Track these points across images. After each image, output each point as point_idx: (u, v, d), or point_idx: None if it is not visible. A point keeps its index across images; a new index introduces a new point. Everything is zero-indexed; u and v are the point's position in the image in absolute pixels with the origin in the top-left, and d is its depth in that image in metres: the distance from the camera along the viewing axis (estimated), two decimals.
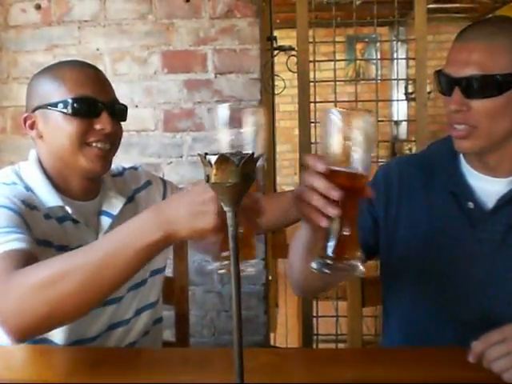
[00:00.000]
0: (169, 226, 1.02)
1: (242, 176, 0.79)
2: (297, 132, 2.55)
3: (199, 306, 2.40)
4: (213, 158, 0.79)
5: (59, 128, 1.36)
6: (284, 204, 1.68)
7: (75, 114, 1.34)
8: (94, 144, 1.36)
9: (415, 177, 1.41)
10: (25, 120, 1.41)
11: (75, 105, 1.33)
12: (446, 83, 1.27)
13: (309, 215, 0.98)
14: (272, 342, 2.93)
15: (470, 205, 1.33)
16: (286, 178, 6.03)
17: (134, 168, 1.63)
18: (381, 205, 1.42)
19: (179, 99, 2.40)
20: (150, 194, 1.59)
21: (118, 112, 1.41)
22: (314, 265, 0.99)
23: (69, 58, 1.51)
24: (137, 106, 2.40)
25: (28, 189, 1.37)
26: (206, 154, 0.82)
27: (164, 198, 1.61)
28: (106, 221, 1.44)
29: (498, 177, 1.33)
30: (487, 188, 1.33)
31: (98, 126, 1.35)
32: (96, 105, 1.35)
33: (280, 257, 2.74)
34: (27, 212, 1.28)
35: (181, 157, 2.40)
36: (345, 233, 0.97)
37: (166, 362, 1.20)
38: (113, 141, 1.39)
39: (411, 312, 1.40)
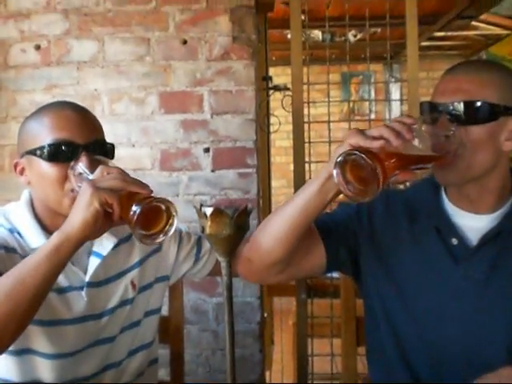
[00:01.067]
0: (64, 227, 1.19)
1: (236, 228, 0.81)
2: (292, 167, 2.58)
3: (194, 345, 2.40)
4: (208, 210, 0.82)
5: (41, 175, 1.37)
6: None
7: (53, 159, 1.34)
8: (73, 193, 1.34)
9: (401, 212, 1.43)
10: (15, 166, 1.43)
11: (52, 149, 1.33)
12: (431, 111, 1.28)
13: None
14: (268, 380, 2.92)
15: (454, 241, 1.34)
16: None
17: None
18: (364, 225, 1.43)
19: (176, 139, 2.43)
20: None
21: (101, 153, 1.38)
22: None
23: (66, 98, 1.54)
24: (134, 146, 2.43)
25: (13, 231, 1.38)
26: (202, 205, 0.84)
27: None
28: (94, 261, 1.44)
29: (480, 213, 1.34)
30: (470, 225, 1.34)
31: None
32: (74, 148, 1.33)
33: (276, 295, 2.75)
34: (1, 256, 1.30)
35: (177, 195, 2.42)
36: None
37: None
38: None
39: (393, 348, 1.40)
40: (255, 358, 2.46)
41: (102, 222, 1.20)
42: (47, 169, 1.34)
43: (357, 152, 1.03)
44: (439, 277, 1.35)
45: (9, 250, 1.33)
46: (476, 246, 1.33)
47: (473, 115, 1.24)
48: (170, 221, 1.17)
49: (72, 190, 1.33)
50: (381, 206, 1.44)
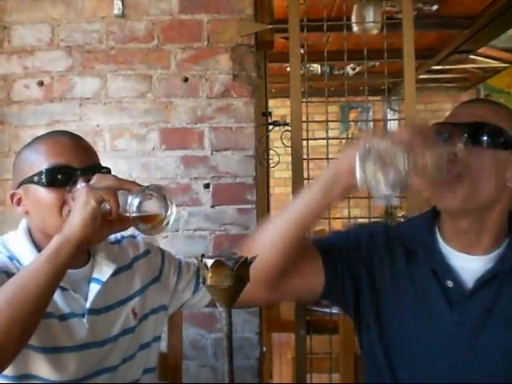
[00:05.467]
0: (64, 229, 1.22)
1: (236, 279, 0.83)
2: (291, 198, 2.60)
3: (193, 381, 2.40)
4: (209, 262, 0.84)
5: (39, 202, 1.38)
6: None
7: (50, 184, 1.35)
8: None
9: (399, 249, 1.41)
10: (12, 197, 1.43)
11: (49, 175, 1.35)
12: (443, 131, 1.27)
13: None
14: None
15: (450, 284, 1.33)
16: None
17: (133, 236, 1.64)
18: (363, 256, 1.42)
19: (176, 175, 2.46)
20: (148, 263, 1.61)
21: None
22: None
23: None
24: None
25: (12, 258, 1.39)
26: (203, 255, 0.86)
27: (162, 267, 1.63)
28: (94, 287, 1.44)
29: (475, 254, 1.33)
30: (465, 266, 1.34)
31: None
32: (71, 172, 1.36)
33: (274, 331, 2.75)
34: (2, 279, 1.29)
35: (177, 231, 2.44)
36: None
37: None
38: None
39: None
40: None
41: (102, 223, 1.23)
42: (45, 195, 1.36)
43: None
44: (434, 320, 1.34)
45: (9, 275, 1.32)
46: (471, 289, 1.32)
47: (483, 137, 1.24)
48: (170, 210, 1.21)
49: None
50: (380, 240, 1.43)
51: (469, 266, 1.33)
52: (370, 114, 5.85)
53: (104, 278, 1.45)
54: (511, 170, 1.28)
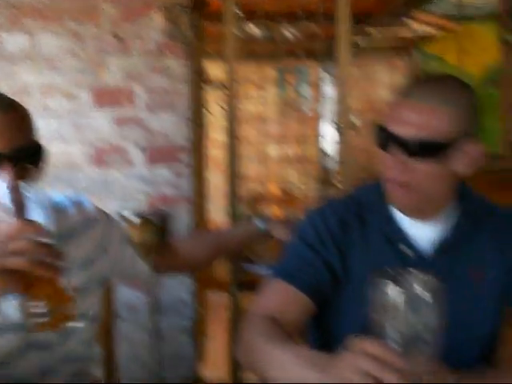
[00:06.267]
0: None
1: (161, 235, 0.84)
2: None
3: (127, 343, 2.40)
4: (135, 219, 0.84)
5: None
6: (205, 245, 1.69)
7: None
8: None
9: (353, 222, 1.39)
10: None
11: None
12: (385, 139, 1.26)
13: None
14: (203, 374, 2.95)
15: (405, 249, 1.33)
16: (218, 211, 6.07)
17: (79, 202, 1.53)
18: (332, 251, 1.37)
19: (109, 135, 2.42)
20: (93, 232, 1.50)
21: (26, 157, 1.29)
22: None
23: None
24: (66, 142, 2.41)
25: None
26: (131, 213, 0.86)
27: (108, 236, 1.53)
28: None
29: (429, 221, 1.34)
30: (420, 233, 1.34)
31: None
32: None
33: (209, 290, 2.76)
34: None
35: (111, 192, 2.41)
36: None
37: None
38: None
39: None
40: (188, 354, 2.48)
41: None
42: None
43: None
44: None
45: None
46: (427, 255, 1.33)
47: (426, 151, 1.23)
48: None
49: None
50: (333, 218, 1.40)
51: (422, 232, 1.34)
52: (307, 78, 5.87)
53: None
54: (460, 158, 1.27)
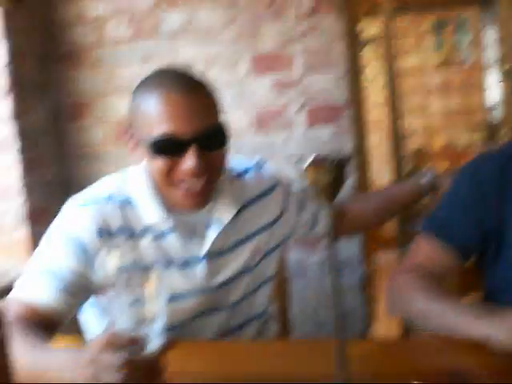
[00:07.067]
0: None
1: (335, 175, 0.84)
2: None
3: (299, 299, 2.44)
4: (307, 162, 0.85)
5: (149, 162, 1.29)
6: (374, 205, 1.69)
7: (157, 153, 1.24)
8: (181, 184, 1.27)
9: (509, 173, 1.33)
10: (125, 137, 1.35)
11: (156, 145, 1.23)
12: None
13: None
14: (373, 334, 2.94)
15: None
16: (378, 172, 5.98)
17: (259, 168, 1.53)
18: (488, 210, 1.33)
19: (268, 100, 2.47)
20: (274, 199, 1.52)
21: (210, 143, 1.26)
22: None
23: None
24: (228, 111, 2.48)
25: (127, 202, 1.33)
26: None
27: (287, 202, 1.55)
28: (214, 230, 1.37)
29: None
30: None
31: (183, 166, 1.24)
32: (179, 143, 1.23)
33: (377, 246, 2.74)
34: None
35: (272, 155, 2.46)
36: None
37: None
38: (208, 175, 1.27)
39: None
40: (359, 312, 2.48)
41: None
42: (154, 160, 1.26)
43: None
44: None
45: (112, 233, 1.29)
46: None
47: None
48: None
49: (175, 183, 1.27)
50: (488, 172, 1.35)
51: None
52: (467, 28, 5.56)
53: (226, 220, 1.38)
54: None
